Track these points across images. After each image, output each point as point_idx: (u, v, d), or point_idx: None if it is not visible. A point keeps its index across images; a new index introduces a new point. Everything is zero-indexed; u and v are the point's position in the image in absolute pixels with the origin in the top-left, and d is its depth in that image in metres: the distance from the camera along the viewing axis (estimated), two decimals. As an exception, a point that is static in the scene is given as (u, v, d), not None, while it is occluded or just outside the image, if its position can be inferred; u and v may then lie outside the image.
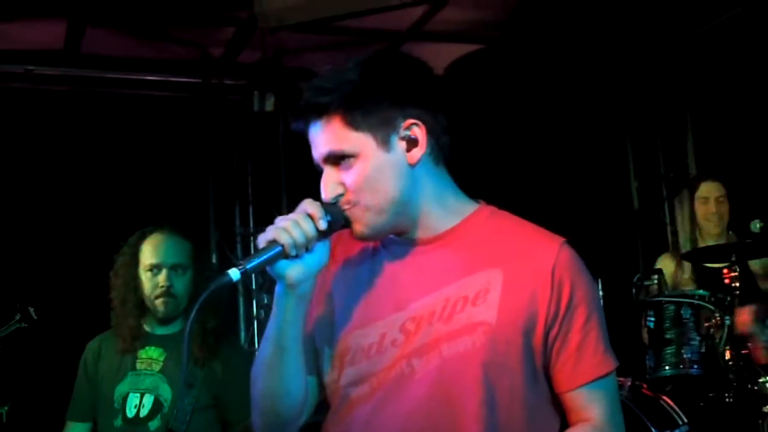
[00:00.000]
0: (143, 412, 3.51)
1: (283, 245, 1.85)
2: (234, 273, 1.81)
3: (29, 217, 5.98)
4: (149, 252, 3.64)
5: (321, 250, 1.93)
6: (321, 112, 1.95)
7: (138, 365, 3.60)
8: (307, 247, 1.88)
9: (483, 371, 1.90)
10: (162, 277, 3.59)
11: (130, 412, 3.53)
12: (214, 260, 6.01)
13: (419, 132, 1.96)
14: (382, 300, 2.01)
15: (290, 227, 1.86)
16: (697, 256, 5.02)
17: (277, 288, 1.95)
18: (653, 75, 6.76)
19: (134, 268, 3.65)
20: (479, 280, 1.96)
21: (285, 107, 1.89)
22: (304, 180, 2.17)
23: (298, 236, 1.86)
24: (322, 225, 1.89)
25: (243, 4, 5.33)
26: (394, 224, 1.99)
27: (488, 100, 6.80)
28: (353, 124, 1.93)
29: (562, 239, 2.01)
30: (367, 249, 2.09)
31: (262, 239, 1.87)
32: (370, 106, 1.93)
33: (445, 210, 2.03)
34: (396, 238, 2.05)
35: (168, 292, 3.59)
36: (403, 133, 1.96)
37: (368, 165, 1.93)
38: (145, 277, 3.62)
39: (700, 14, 5.97)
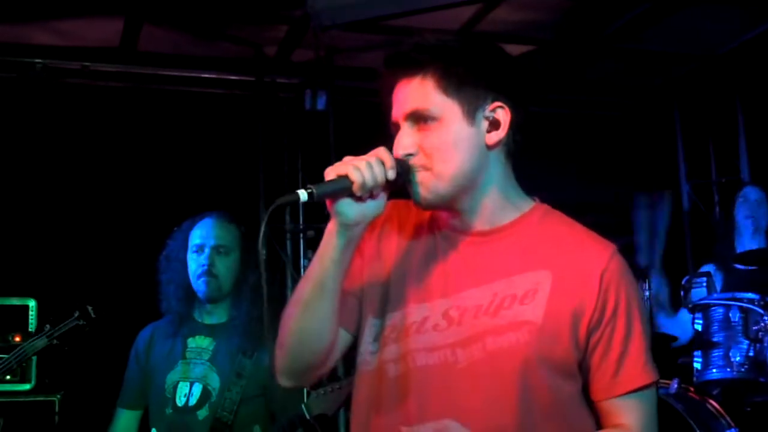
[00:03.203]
0: (192, 401, 3.57)
1: (353, 182, 1.87)
2: (302, 194, 1.83)
3: (86, 212, 6.08)
4: (196, 234, 3.72)
5: (381, 199, 1.95)
6: (418, 68, 1.96)
7: (188, 354, 3.66)
8: (372, 192, 1.90)
9: (522, 368, 1.92)
10: (204, 257, 3.66)
11: (180, 401, 3.58)
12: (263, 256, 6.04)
13: (503, 116, 1.98)
14: (431, 283, 2.03)
15: (364, 167, 1.87)
16: (739, 260, 4.99)
17: (330, 226, 1.96)
18: (705, 78, 6.71)
19: (183, 252, 3.72)
20: (529, 280, 1.97)
21: (384, 60, 1.91)
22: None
23: (369, 178, 1.87)
24: (392, 174, 1.90)
25: (296, 2, 5.37)
26: (454, 196, 1.99)
27: (538, 102, 6.79)
28: (446, 89, 1.94)
29: (613, 246, 2.02)
30: (423, 230, 2.11)
31: (332, 171, 1.88)
32: (466, 77, 1.95)
33: (505, 201, 2.05)
34: (452, 226, 2.06)
35: (209, 272, 3.65)
36: (488, 113, 1.98)
37: (449, 132, 1.95)
38: (191, 258, 3.70)
39: (755, 17, 5.92)
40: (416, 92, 1.95)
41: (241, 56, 6.38)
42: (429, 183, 1.96)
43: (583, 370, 1.98)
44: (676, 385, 4.43)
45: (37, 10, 5.59)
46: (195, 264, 3.68)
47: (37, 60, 5.95)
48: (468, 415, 1.92)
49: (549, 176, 6.37)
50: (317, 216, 6.00)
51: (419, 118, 1.95)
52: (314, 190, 1.84)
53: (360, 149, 2.04)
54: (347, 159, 1.90)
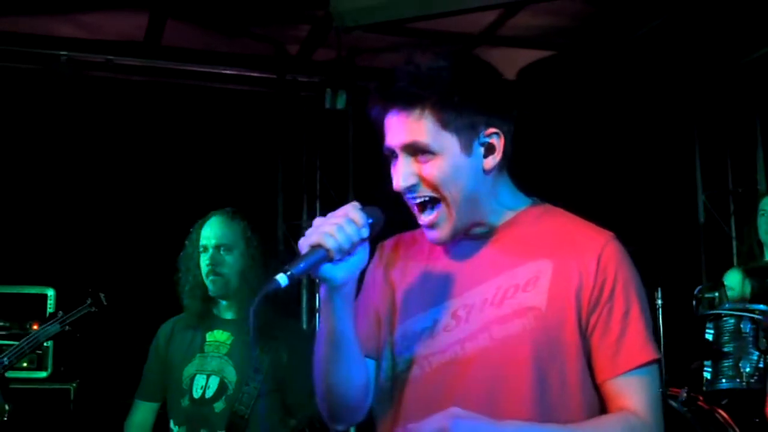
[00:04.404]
0: (209, 393, 3.61)
1: (328, 250, 1.89)
2: (282, 278, 1.83)
3: (105, 203, 6.16)
4: (203, 234, 3.79)
5: (362, 252, 1.98)
6: (414, 103, 1.98)
7: (206, 347, 3.71)
8: (349, 251, 1.92)
9: (534, 352, 1.97)
10: (208, 256, 3.72)
11: (197, 393, 3.62)
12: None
13: (498, 142, 2.03)
14: (436, 289, 2.10)
15: (335, 232, 1.89)
16: (760, 272, 4.99)
17: (322, 291, 2.00)
18: (724, 88, 6.71)
19: (197, 252, 3.79)
20: (530, 269, 2.04)
21: (373, 91, 1.95)
22: (371, 177, 2.23)
23: (343, 241, 1.90)
24: (365, 233, 1.95)
25: (319, 2, 5.41)
26: (466, 224, 2.06)
27: (558, 107, 6.82)
28: (443, 123, 1.97)
29: (611, 233, 2.08)
30: (426, 246, 2.17)
31: (305, 243, 1.90)
32: (462, 109, 1.99)
33: (501, 207, 2.11)
34: None
35: (214, 271, 3.70)
36: (483, 139, 2.02)
37: (448, 164, 1.99)
38: (201, 258, 3.77)
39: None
40: (413, 126, 1.99)
41: (263, 54, 6.43)
42: (446, 222, 2.03)
43: (585, 351, 2.02)
44: (685, 394, 4.46)
45: (63, 3, 5.67)
46: (203, 264, 3.76)
47: (62, 52, 6.02)
48: (476, 401, 1.97)
49: (563, 183, 6.43)
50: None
51: (417, 151, 1.99)
52: (292, 271, 1.85)
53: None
54: (317, 223, 1.93)
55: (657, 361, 2.03)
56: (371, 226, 1.96)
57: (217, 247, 3.73)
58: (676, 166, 7.10)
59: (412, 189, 2.01)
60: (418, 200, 2.03)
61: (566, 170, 6.67)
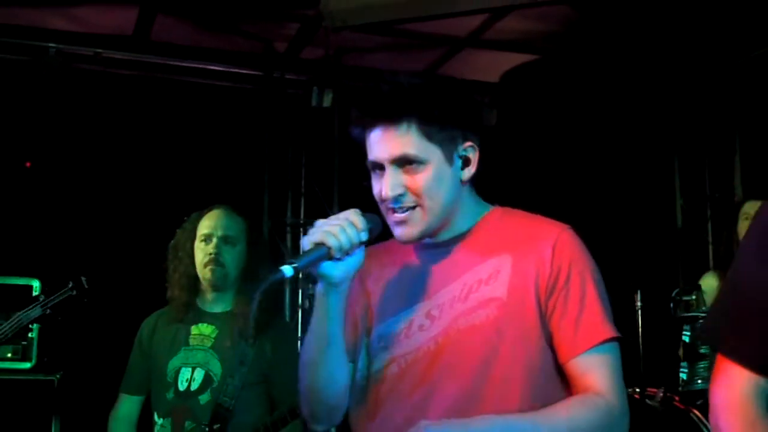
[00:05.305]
0: (194, 386, 3.65)
1: (329, 248, 2.02)
2: (287, 269, 1.95)
3: (91, 195, 6.17)
4: (204, 224, 3.81)
5: (359, 254, 2.11)
6: (401, 116, 2.12)
7: (191, 341, 3.74)
8: (348, 251, 2.05)
9: (497, 340, 2.10)
10: (211, 246, 3.75)
11: (182, 386, 3.66)
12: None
13: (474, 155, 2.20)
14: (410, 293, 2.24)
15: (337, 232, 2.02)
16: None
17: (319, 287, 2.13)
18: (704, 96, 6.78)
19: (191, 242, 3.81)
20: (492, 265, 2.19)
21: (357, 106, 2.08)
22: (356, 175, 2.32)
23: (344, 241, 2.03)
24: (364, 236, 2.08)
25: (309, 2, 5.45)
26: (436, 228, 2.21)
27: (540, 111, 6.89)
28: (428, 135, 2.12)
29: (566, 225, 2.22)
30: (398, 255, 2.31)
31: (308, 241, 2.04)
32: (443, 123, 2.14)
33: (469, 214, 2.27)
34: (423, 242, 2.26)
35: (216, 260, 3.73)
36: (462, 152, 2.18)
37: (433, 174, 2.14)
38: (198, 248, 3.79)
39: (752, 38, 6.01)
40: (402, 139, 2.13)
41: (251, 51, 6.46)
42: (420, 221, 2.17)
43: (547, 336, 2.14)
44: (661, 394, 4.54)
45: (53, -4, 5.69)
46: (202, 253, 3.77)
47: (51, 44, 6.01)
48: (447, 388, 2.11)
49: (543, 187, 6.50)
50: (318, 211, 6.09)
51: (406, 162, 2.13)
52: (297, 264, 1.97)
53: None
54: (319, 224, 2.06)
55: (617, 340, 2.13)
56: (370, 231, 2.10)
57: (223, 238, 3.76)
58: (656, 172, 7.19)
59: (398, 199, 2.14)
60: (399, 209, 2.15)
61: (546, 175, 6.74)
